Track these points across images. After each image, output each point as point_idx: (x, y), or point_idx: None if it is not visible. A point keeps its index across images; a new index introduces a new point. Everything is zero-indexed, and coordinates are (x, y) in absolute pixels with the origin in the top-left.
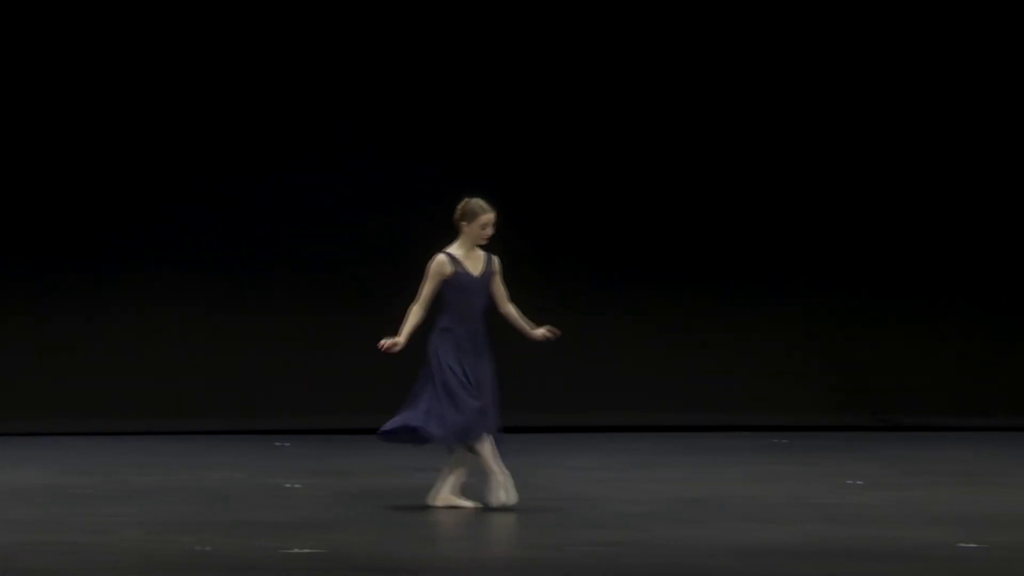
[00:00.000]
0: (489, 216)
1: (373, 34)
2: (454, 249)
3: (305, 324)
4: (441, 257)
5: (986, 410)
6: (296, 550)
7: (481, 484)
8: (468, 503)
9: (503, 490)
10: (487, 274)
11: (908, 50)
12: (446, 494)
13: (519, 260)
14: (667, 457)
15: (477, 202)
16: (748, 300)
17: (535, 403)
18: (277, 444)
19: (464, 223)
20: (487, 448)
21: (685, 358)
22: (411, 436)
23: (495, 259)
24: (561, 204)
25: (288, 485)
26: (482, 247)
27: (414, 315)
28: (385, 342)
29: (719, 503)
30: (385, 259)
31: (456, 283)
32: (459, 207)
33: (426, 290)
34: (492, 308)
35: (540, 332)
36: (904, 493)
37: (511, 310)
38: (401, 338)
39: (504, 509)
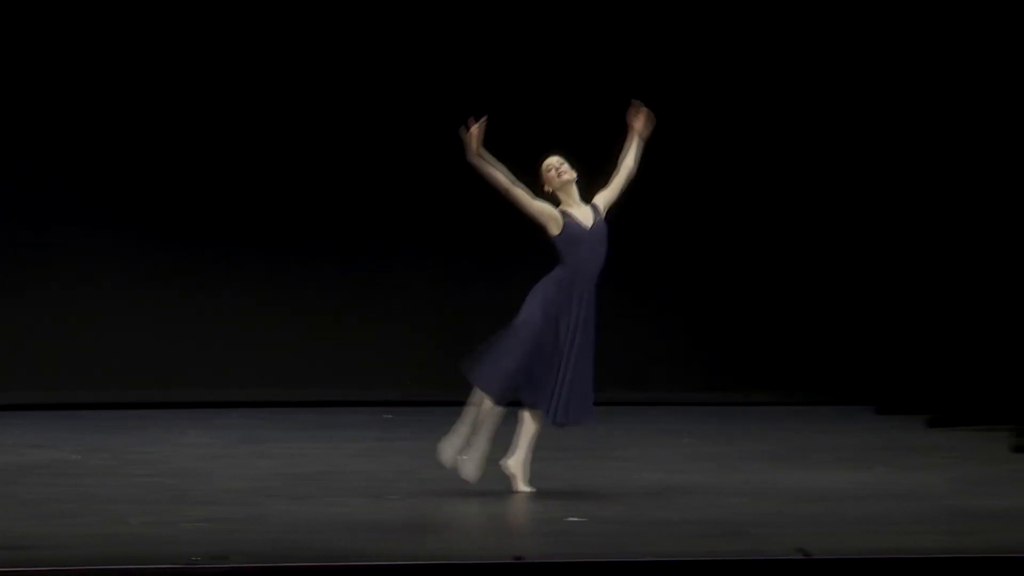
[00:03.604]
0: (548, 161)
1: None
2: (563, 206)
3: None
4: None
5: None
6: None
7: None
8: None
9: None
10: (599, 224)
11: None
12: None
13: None
14: (278, 433)
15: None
16: (367, 273)
17: (150, 379)
18: None
19: (546, 184)
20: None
21: (293, 332)
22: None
23: (597, 204)
24: None
25: None
26: (585, 200)
27: (501, 171)
28: (473, 128)
29: (328, 478)
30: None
31: (568, 234)
32: None
33: (522, 191)
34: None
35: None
36: None
37: (624, 166)
38: (481, 150)
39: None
